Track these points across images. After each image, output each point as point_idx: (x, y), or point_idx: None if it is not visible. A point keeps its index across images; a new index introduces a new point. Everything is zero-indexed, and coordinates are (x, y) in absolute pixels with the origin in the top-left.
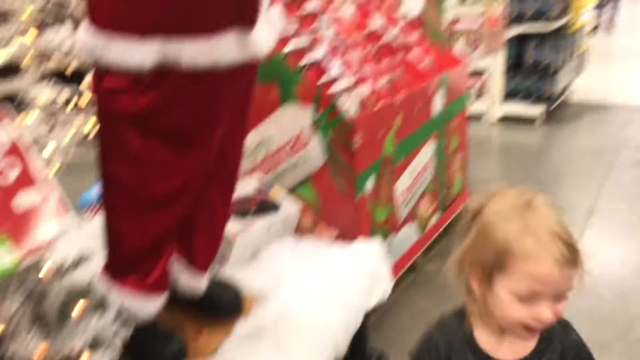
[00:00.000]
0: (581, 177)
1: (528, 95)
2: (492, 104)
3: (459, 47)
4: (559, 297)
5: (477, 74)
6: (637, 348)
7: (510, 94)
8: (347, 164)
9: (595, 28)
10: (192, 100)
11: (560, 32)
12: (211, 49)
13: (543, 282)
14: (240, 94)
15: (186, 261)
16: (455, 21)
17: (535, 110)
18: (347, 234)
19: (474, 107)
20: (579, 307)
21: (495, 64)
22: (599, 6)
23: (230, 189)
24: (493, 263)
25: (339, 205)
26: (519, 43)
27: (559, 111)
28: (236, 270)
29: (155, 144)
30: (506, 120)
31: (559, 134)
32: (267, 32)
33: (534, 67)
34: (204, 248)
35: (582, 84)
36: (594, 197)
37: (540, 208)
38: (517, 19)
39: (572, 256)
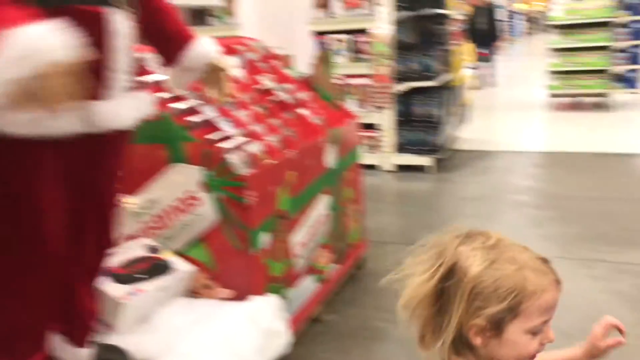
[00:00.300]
0: (468, 220)
1: (418, 146)
2: (386, 155)
3: (350, 103)
4: None
5: (371, 128)
6: None
7: (402, 146)
8: (240, 221)
9: (478, 83)
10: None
11: (443, 87)
12: (40, 120)
13: (551, 308)
14: (95, 162)
15: (64, 336)
16: (346, 78)
17: (425, 160)
18: (243, 292)
19: (370, 158)
20: None
21: (386, 119)
22: (481, 63)
23: (104, 254)
24: (506, 311)
25: (233, 263)
26: (406, 98)
27: (448, 160)
28: (126, 335)
29: None
30: (400, 170)
31: (448, 181)
32: (126, 106)
33: (421, 121)
34: (82, 321)
35: (468, 134)
36: None
37: (504, 241)
38: (403, 76)
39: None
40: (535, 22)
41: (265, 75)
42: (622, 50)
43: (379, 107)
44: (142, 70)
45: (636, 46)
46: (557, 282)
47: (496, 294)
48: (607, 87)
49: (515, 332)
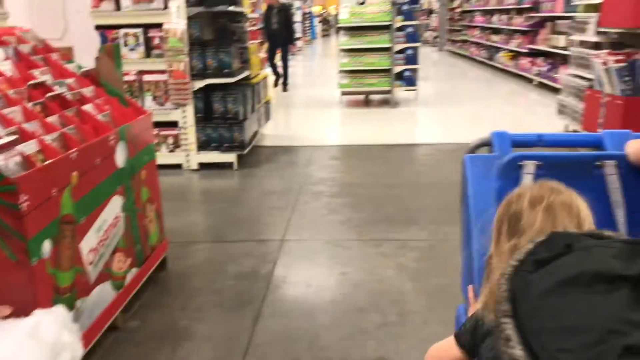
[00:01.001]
0: (273, 213)
1: (221, 144)
2: (188, 153)
3: (147, 99)
4: None
5: (172, 125)
6: (324, 354)
7: (205, 143)
8: (14, 229)
9: (277, 81)
10: None
11: (242, 84)
12: None
13: None
14: None
15: None
16: (141, 74)
17: (229, 156)
18: (24, 307)
19: (173, 157)
20: (272, 328)
21: (186, 116)
22: (277, 62)
23: None
24: None
25: (10, 277)
26: (206, 95)
27: (251, 156)
28: None
29: None
30: (204, 168)
31: (252, 177)
32: None
33: (222, 118)
34: None
35: (270, 131)
36: (284, 230)
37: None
38: (201, 72)
39: None
40: (329, 24)
41: (40, 69)
42: (400, 52)
43: (179, 104)
44: None
45: (411, 48)
46: None
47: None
48: (390, 85)
49: None
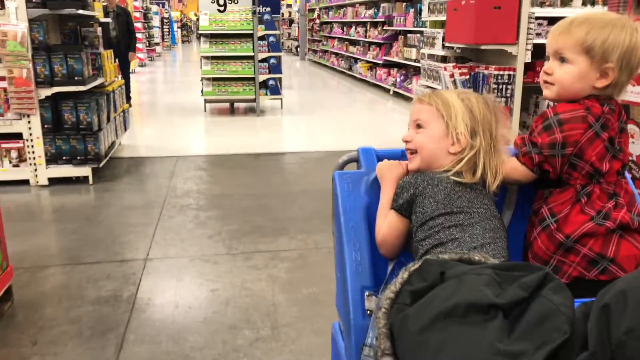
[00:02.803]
0: (135, 230)
1: (74, 156)
2: (36, 168)
3: None
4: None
5: (15, 138)
6: None
7: (55, 157)
8: None
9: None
10: None
11: (96, 92)
12: None
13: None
14: None
15: None
16: None
17: (83, 170)
18: None
19: (17, 173)
20: (138, 355)
21: (32, 127)
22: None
23: None
24: None
25: None
26: (54, 105)
27: (109, 169)
28: None
29: None
30: (55, 183)
31: (110, 191)
32: None
33: (74, 128)
34: None
35: (129, 141)
36: (147, 248)
37: None
38: (48, 80)
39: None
40: (190, 30)
41: None
42: (263, 60)
43: (22, 114)
44: None
45: (274, 57)
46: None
47: None
48: (255, 94)
49: None
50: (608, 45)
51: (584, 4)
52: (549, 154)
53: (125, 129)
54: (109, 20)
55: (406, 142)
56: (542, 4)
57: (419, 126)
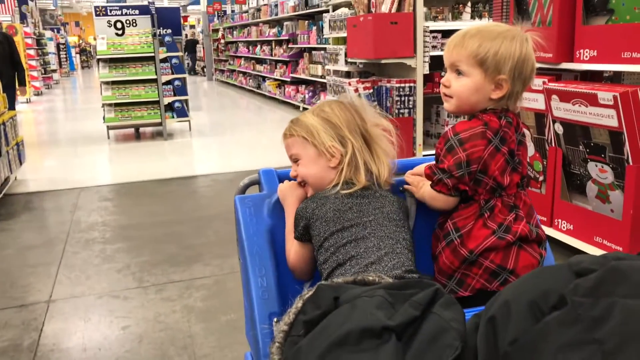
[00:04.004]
0: (36, 271)
1: None
2: None
3: None
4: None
5: None
6: None
7: None
8: None
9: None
10: None
11: None
12: None
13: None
14: None
15: None
16: None
17: None
18: None
19: None
20: None
21: None
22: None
23: None
24: None
25: None
26: None
27: (3, 207)
28: None
29: None
30: None
31: (6, 231)
32: None
33: None
34: None
35: (25, 175)
36: (50, 289)
37: None
38: None
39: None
40: (89, 55)
41: None
42: (167, 83)
43: None
44: None
45: (178, 79)
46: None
47: None
48: (161, 117)
49: None
50: (500, 57)
51: (472, 17)
52: (458, 174)
53: (21, 163)
54: None
55: (294, 177)
56: (435, 18)
57: (295, 160)
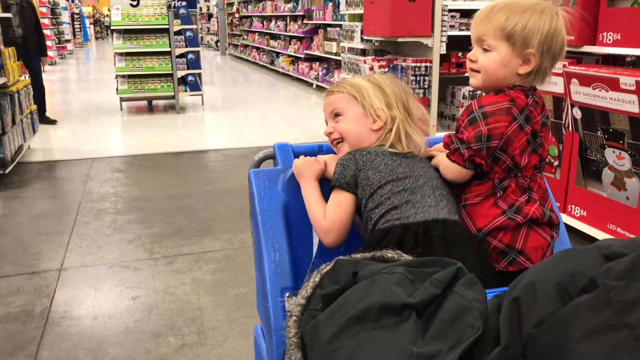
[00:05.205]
0: (48, 239)
1: None
2: None
3: None
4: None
5: None
6: None
7: None
8: None
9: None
10: None
11: None
12: None
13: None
14: None
15: None
16: None
17: None
18: None
19: None
20: None
21: None
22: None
23: None
24: None
25: None
26: None
27: (17, 174)
28: None
29: None
30: None
31: (18, 199)
32: None
33: None
34: None
35: (39, 144)
36: (62, 257)
37: None
38: None
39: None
40: (103, 26)
41: None
42: (181, 56)
43: None
44: None
45: (192, 52)
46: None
47: None
48: (174, 90)
49: None
50: (528, 31)
51: None
52: (477, 147)
53: (35, 132)
54: (9, 15)
55: (329, 134)
56: None
57: (337, 115)
